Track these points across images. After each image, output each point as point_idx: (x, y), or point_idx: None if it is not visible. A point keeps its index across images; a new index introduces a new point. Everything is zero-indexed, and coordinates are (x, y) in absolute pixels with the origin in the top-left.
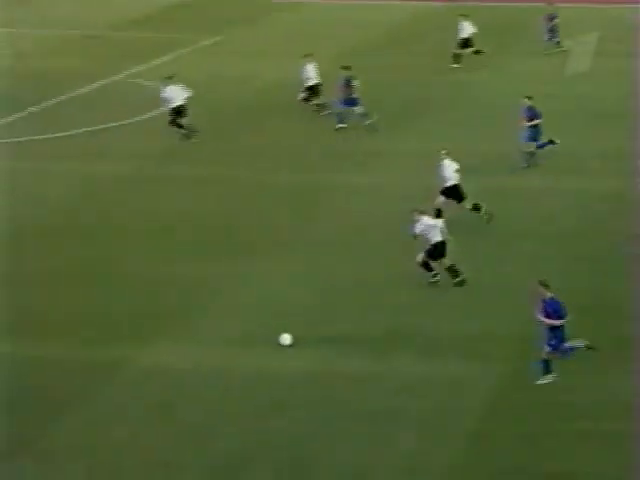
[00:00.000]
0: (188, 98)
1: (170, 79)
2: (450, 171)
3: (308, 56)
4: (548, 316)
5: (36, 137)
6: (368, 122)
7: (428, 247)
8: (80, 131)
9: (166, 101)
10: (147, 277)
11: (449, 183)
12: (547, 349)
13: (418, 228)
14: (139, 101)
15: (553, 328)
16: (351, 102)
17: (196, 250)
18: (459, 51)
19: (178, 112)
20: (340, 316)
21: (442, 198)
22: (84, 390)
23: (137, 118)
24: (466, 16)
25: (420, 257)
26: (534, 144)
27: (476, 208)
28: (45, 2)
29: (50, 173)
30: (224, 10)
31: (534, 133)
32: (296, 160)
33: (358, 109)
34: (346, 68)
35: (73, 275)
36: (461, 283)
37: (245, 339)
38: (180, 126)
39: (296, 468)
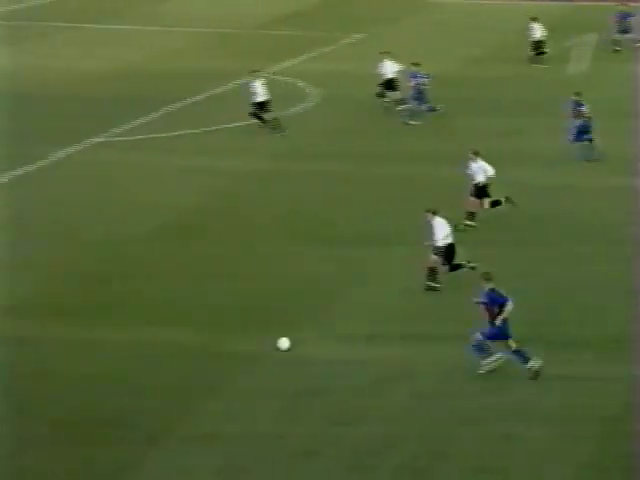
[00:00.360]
0: (268, 95)
1: (256, 73)
2: (481, 171)
3: (385, 53)
4: (487, 307)
5: (166, 134)
6: (412, 121)
7: (438, 250)
8: (211, 129)
9: (252, 95)
10: (281, 272)
11: (477, 181)
12: (479, 336)
13: (434, 230)
14: (279, 98)
15: (492, 319)
16: (418, 98)
17: (326, 245)
18: (533, 52)
19: (261, 106)
20: (458, 314)
21: (473, 199)
22: (226, 379)
23: (273, 116)
24: (536, 19)
25: (432, 260)
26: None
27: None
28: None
29: (183, 170)
30: (369, 9)
31: (580, 128)
32: (428, 157)
33: (424, 106)
34: (416, 64)
35: (209, 269)
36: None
37: (376, 333)
38: (261, 118)
39: (426, 463)
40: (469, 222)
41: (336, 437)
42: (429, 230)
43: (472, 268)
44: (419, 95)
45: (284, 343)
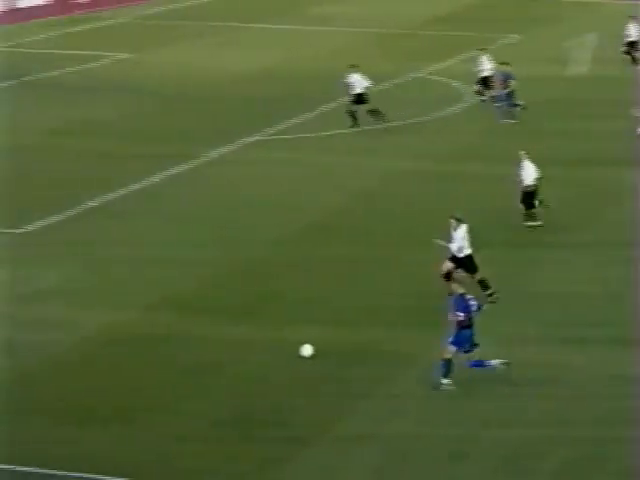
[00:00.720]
0: (368, 88)
1: (354, 67)
2: (528, 172)
3: (483, 49)
4: (463, 313)
5: (318, 134)
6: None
7: (458, 260)
8: (362, 129)
9: (349, 88)
10: (427, 273)
11: (526, 183)
12: (450, 347)
13: (454, 238)
14: (434, 99)
15: (462, 328)
16: (507, 97)
17: (483, 243)
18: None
19: (359, 100)
20: (612, 318)
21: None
22: (379, 379)
23: (428, 116)
24: (634, 17)
25: (447, 267)
26: None
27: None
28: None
29: (332, 170)
30: (528, 9)
31: None
32: (569, 159)
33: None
34: (505, 64)
35: (354, 270)
36: (492, 296)
37: (525, 336)
38: (354, 112)
39: (580, 467)
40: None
41: (488, 439)
42: (449, 238)
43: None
44: (509, 94)
45: (307, 350)
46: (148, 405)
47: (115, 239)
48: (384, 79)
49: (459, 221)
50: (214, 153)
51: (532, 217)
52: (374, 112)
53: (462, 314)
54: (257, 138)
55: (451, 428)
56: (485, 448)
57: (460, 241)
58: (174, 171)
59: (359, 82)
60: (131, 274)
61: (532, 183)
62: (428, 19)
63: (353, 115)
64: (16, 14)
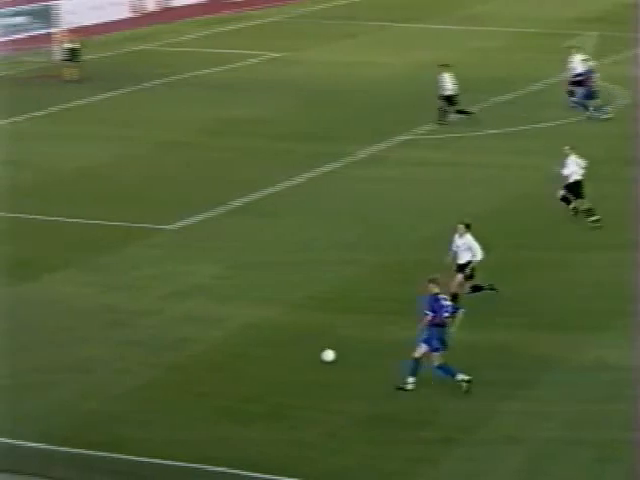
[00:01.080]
0: (456, 89)
1: (445, 67)
2: (574, 167)
3: (573, 47)
4: (434, 312)
5: (470, 134)
6: (603, 116)
7: (455, 267)
8: (516, 129)
9: (440, 89)
10: (570, 278)
11: (572, 179)
12: (422, 348)
13: (456, 244)
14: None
15: (433, 326)
16: (589, 94)
17: (616, 249)
18: None
19: (449, 100)
20: None
21: (563, 192)
22: (525, 381)
23: (579, 118)
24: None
25: (457, 280)
26: None
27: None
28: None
29: (483, 170)
30: None
31: None
32: None
33: (593, 102)
34: (586, 60)
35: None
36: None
37: None
38: (447, 112)
39: None
40: (592, 218)
41: (634, 443)
42: (457, 245)
43: (492, 289)
44: (592, 91)
45: (328, 355)
46: (295, 404)
47: (261, 238)
48: (535, 80)
49: (468, 227)
50: (363, 152)
51: (590, 212)
52: (463, 112)
53: (430, 314)
54: (407, 137)
55: (597, 431)
56: (631, 452)
57: (474, 247)
58: (322, 170)
59: (450, 83)
60: (276, 273)
61: (576, 179)
62: (579, 19)
63: (444, 113)
64: (167, 13)
